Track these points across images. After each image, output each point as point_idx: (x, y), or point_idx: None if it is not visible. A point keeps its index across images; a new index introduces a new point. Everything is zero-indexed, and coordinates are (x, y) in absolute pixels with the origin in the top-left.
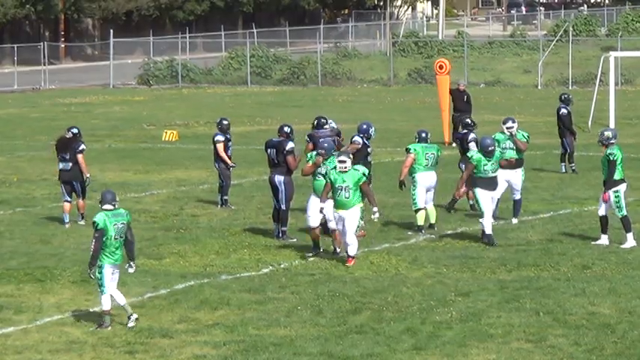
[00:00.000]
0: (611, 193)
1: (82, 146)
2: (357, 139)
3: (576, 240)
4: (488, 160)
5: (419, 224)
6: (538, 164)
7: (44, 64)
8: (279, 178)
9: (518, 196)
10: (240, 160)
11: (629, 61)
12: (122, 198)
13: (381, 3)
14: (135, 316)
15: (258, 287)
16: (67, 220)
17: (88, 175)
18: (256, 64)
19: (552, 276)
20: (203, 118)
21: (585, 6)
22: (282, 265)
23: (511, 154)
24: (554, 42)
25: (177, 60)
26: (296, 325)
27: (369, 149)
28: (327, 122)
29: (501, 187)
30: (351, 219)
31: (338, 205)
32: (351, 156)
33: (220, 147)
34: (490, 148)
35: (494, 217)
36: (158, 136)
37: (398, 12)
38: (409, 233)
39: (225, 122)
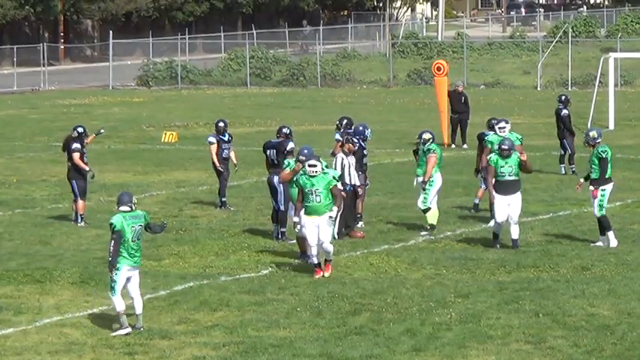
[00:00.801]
0: (598, 190)
1: (75, 145)
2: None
3: (576, 241)
4: (506, 162)
5: (432, 223)
6: (537, 165)
7: (43, 65)
8: (277, 179)
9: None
10: (240, 161)
11: (628, 63)
12: None
13: (381, 4)
14: (142, 329)
15: (257, 288)
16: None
17: (87, 169)
18: (256, 65)
19: (552, 277)
20: (202, 119)
21: (585, 7)
22: (281, 267)
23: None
24: (554, 43)
25: (177, 61)
26: (295, 327)
27: (364, 151)
28: (352, 123)
29: (518, 202)
30: (325, 226)
31: (310, 211)
32: (352, 157)
33: (213, 149)
34: (505, 149)
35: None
36: (157, 137)
37: (397, 13)
38: (423, 233)
39: (220, 124)
